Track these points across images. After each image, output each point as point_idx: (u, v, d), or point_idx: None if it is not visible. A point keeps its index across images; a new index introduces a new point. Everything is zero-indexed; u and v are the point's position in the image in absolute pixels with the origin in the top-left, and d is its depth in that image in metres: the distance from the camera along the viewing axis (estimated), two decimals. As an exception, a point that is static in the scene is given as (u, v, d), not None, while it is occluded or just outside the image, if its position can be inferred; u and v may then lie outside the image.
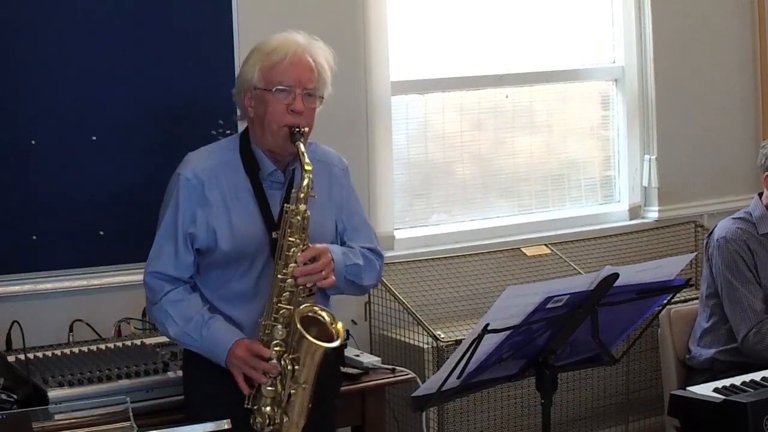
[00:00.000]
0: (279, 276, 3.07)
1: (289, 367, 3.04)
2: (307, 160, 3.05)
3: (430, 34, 4.74)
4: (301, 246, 3.06)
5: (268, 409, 3.07)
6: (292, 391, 3.05)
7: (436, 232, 4.78)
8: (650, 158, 5.20)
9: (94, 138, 3.94)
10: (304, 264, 3.06)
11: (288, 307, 3.05)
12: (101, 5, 3.91)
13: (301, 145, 3.07)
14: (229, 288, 3.19)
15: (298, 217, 3.05)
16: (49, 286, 3.90)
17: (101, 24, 3.91)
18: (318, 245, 3.11)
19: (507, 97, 4.96)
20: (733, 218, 4.20)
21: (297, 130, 3.10)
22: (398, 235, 4.64)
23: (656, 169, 5.19)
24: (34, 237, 3.87)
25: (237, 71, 4.03)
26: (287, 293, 3.06)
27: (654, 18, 5.14)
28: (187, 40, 4.05)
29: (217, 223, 3.14)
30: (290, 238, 3.05)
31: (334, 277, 3.12)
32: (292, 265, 3.05)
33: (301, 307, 3.05)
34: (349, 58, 4.42)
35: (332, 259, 3.12)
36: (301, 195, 3.06)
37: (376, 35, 4.48)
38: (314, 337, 3.00)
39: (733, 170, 5.35)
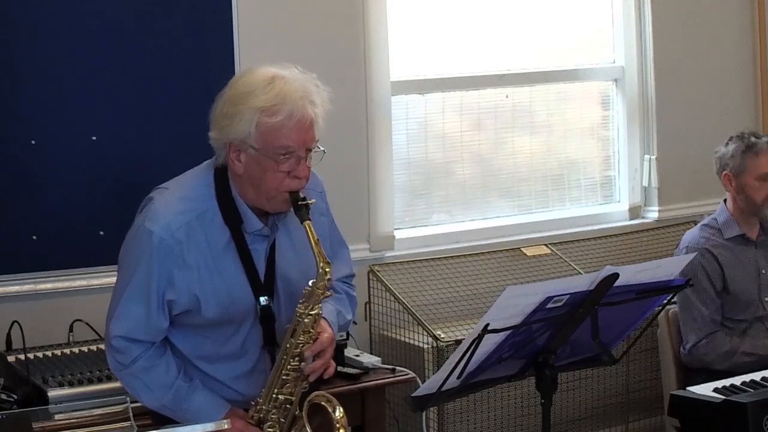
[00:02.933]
0: (283, 371, 2.83)
1: None
2: (321, 250, 2.76)
3: (430, 34, 4.74)
4: (310, 344, 2.82)
5: None
6: None
7: (436, 232, 4.78)
8: (650, 158, 5.20)
9: (94, 138, 3.94)
10: (312, 357, 2.82)
11: (289, 396, 2.85)
12: (101, 5, 3.91)
13: (313, 232, 2.76)
14: (213, 349, 2.90)
15: (309, 318, 2.81)
16: (49, 286, 3.90)
17: (101, 24, 3.91)
18: (324, 336, 2.84)
19: (507, 97, 4.96)
20: (700, 225, 4.28)
21: (303, 201, 2.78)
22: (398, 235, 4.64)
23: (656, 169, 5.19)
24: (34, 237, 3.87)
25: (237, 68, 4.07)
26: (289, 384, 2.85)
27: (654, 18, 5.14)
28: (188, 41, 4.05)
29: (200, 289, 2.81)
30: (299, 339, 2.81)
31: (334, 364, 2.93)
32: (297, 358, 2.82)
33: (314, 394, 2.83)
34: (349, 58, 4.42)
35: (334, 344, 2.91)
36: (318, 294, 2.80)
37: (376, 35, 4.48)
38: (317, 427, 2.80)
39: (733, 170, 5.35)
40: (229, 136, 2.80)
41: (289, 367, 2.83)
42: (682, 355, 4.16)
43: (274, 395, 2.85)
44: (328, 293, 2.82)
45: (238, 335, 2.90)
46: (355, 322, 4.30)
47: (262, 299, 2.87)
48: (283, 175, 2.78)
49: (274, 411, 2.86)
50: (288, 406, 2.86)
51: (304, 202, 2.78)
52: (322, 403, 2.81)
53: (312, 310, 2.81)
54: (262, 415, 2.87)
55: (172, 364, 2.88)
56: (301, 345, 2.82)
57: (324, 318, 2.89)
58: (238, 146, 2.79)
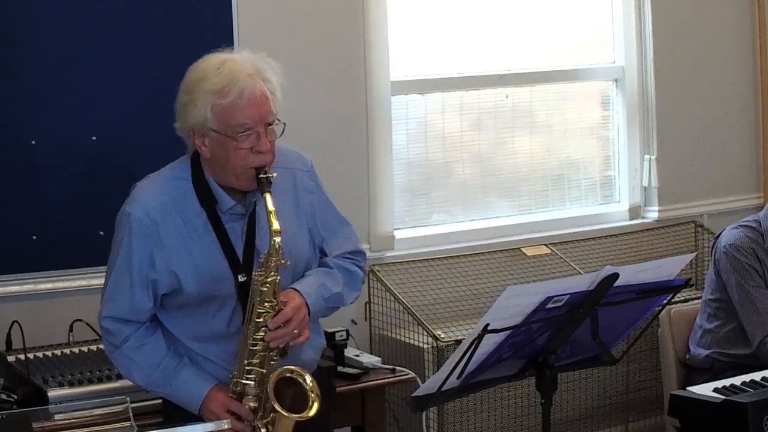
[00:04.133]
0: (249, 341, 2.89)
1: (263, 430, 2.90)
2: (275, 221, 2.82)
3: (430, 34, 4.74)
4: (272, 313, 2.86)
5: None
6: None
7: (436, 232, 4.78)
8: (650, 158, 5.20)
9: (94, 138, 3.94)
10: (276, 328, 2.87)
11: (259, 369, 2.90)
12: (102, 5, 3.91)
13: (270, 201, 2.83)
14: (201, 328, 2.98)
15: (268, 285, 2.85)
16: (49, 286, 3.90)
17: (101, 24, 3.91)
18: (289, 306, 2.88)
19: (507, 97, 4.96)
20: (741, 225, 4.13)
21: (265, 175, 2.85)
22: (398, 235, 4.64)
23: (656, 169, 5.19)
24: (34, 237, 3.87)
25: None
26: (258, 356, 2.89)
27: (654, 18, 5.14)
28: (188, 40, 4.05)
29: (179, 266, 2.90)
30: (259, 308, 2.86)
31: (307, 332, 2.93)
32: (263, 329, 2.87)
33: (281, 368, 2.89)
34: (349, 58, 4.42)
35: (308, 311, 2.93)
36: (272, 262, 2.85)
37: (376, 35, 4.48)
38: (291, 398, 2.86)
39: (733, 170, 5.35)
40: (189, 123, 2.91)
41: (256, 336, 2.88)
42: (755, 351, 3.98)
43: (246, 367, 2.90)
44: (282, 261, 2.85)
45: (222, 313, 2.96)
46: (354, 322, 4.31)
47: (240, 277, 2.93)
48: (245, 152, 2.86)
49: (251, 384, 2.91)
50: (262, 380, 2.90)
51: (265, 176, 2.85)
52: (288, 375, 2.88)
53: (268, 278, 2.85)
54: (240, 388, 2.92)
55: (161, 343, 2.98)
56: (263, 314, 2.87)
57: (295, 288, 2.94)
58: (200, 131, 2.89)
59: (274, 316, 2.87)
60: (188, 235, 2.92)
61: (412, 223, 4.77)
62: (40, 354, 3.62)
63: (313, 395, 2.88)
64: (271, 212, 2.83)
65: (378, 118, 4.53)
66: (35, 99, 3.84)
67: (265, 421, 2.90)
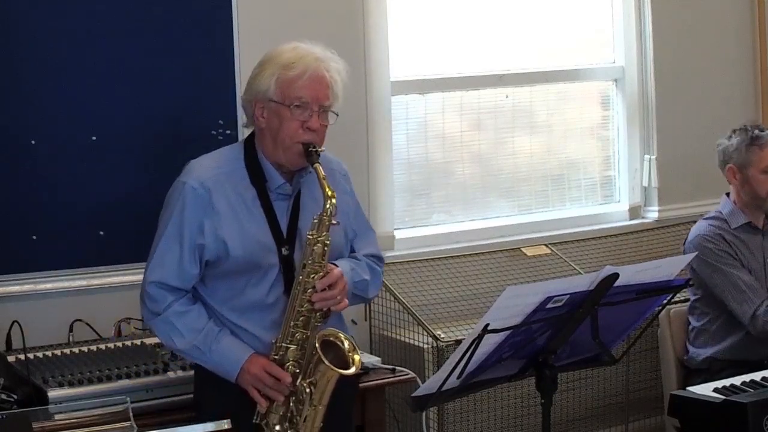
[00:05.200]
0: (297, 302, 3.05)
1: (307, 390, 3.04)
2: (328, 185, 3.03)
3: (430, 34, 4.74)
4: (320, 273, 3.05)
5: (278, 427, 3.07)
6: (307, 413, 3.05)
7: (436, 232, 4.78)
8: (650, 158, 5.20)
9: (94, 138, 3.94)
10: (322, 290, 3.05)
11: (304, 330, 3.06)
12: (101, 6, 3.91)
13: (321, 169, 3.04)
14: (241, 298, 3.14)
15: (320, 245, 3.04)
16: (49, 286, 3.90)
17: (101, 24, 3.91)
18: (334, 270, 3.09)
19: (507, 97, 4.96)
20: (704, 219, 4.27)
21: (313, 149, 3.07)
22: (398, 235, 4.64)
23: (656, 169, 5.19)
24: (34, 237, 3.87)
25: (237, 71, 4.08)
26: (303, 317, 3.06)
27: (654, 18, 5.14)
28: (188, 40, 4.05)
29: (227, 231, 3.09)
30: (310, 266, 3.05)
31: (347, 301, 3.13)
32: (310, 290, 3.05)
33: (324, 330, 3.07)
34: (349, 58, 4.36)
35: (346, 282, 3.12)
36: (325, 222, 3.04)
37: (376, 35, 4.48)
38: (330, 362, 3.00)
39: (733, 170, 5.35)
40: (254, 91, 3.14)
41: (303, 297, 3.04)
42: (749, 328, 4.01)
43: (290, 329, 3.06)
44: (334, 221, 3.05)
45: (263, 282, 3.12)
46: (354, 322, 4.31)
47: (283, 250, 3.12)
48: (297, 124, 3.08)
49: (293, 348, 3.06)
50: (304, 344, 3.06)
51: (314, 149, 3.07)
52: (331, 338, 3.06)
53: (320, 236, 3.04)
54: (282, 353, 3.06)
55: (204, 311, 3.14)
56: (312, 276, 3.05)
57: (335, 264, 3.12)
58: (261, 101, 3.12)
59: (322, 277, 3.04)
60: (238, 205, 3.11)
61: (412, 223, 4.77)
62: (40, 354, 3.62)
63: (351, 355, 3.04)
64: (324, 178, 3.03)
65: (378, 118, 4.53)
66: (35, 99, 3.84)
67: (308, 380, 3.04)
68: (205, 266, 3.13)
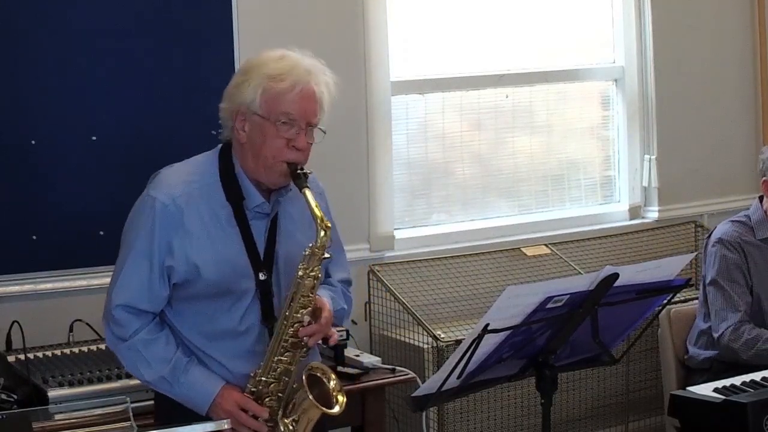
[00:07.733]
0: (283, 336, 2.86)
1: (290, 427, 2.87)
2: (321, 214, 2.82)
3: (430, 34, 4.74)
4: (309, 307, 2.86)
5: None
6: None
7: (436, 232, 4.78)
8: (650, 158, 5.20)
9: (94, 138, 3.94)
10: (308, 324, 2.87)
11: (288, 365, 2.87)
12: (101, 6, 3.91)
13: (310, 195, 2.82)
14: (211, 324, 2.90)
15: (310, 279, 2.84)
16: (49, 286, 3.90)
17: (101, 24, 3.91)
18: (318, 300, 2.89)
19: (507, 97, 4.96)
20: (732, 221, 4.18)
21: (301, 170, 2.84)
22: (398, 235, 4.64)
23: (656, 169, 5.19)
24: (34, 237, 3.87)
25: (237, 68, 4.07)
26: (289, 353, 2.87)
27: (654, 18, 5.14)
28: (188, 39, 4.05)
29: (199, 255, 2.84)
30: (299, 302, 2.85)
31: (336, 335, 2.97)
32: (297, 324, 2.85)
33: (313, 363, 2.90)
34: (349, 58, 4.42)
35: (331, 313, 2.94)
36: (317, 254, 2.84)
37: (376, 35, 4.49)
38: (315, 398, 2.84)
39: (733, 170, 5.35)
40: (236, 102, 2.88)
41: (290, 331, 2.85)
42: (717, 341, 4.03)
43: (273, 364, 2.86)
44: (327, 255, 2.86)
45: (236, 309, 2.90)
46: (354, 322, 4.32)
47: (261, 275, 2.90)
48: (282, 143, 2.84)
49: (273, 383, 2.87)
50: (286, 378, 2.88)
51: (302, 171, 2.84)
52: (317, 374, 2.87)
53: (312, 271, 2.84)
54: (260, 387, 2.88)
55: (172, 339, 2.90)
56: (300, 309, 2.85)
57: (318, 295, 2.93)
58: (243, 113, 2.87)
59: (312, 311, 2.86)
60: (212, 224, 2.87)
61: (412, 223, 4.77)
62: (40, 354, 3.62)
63: (335, 395, 2.87)
64: (317, 205, 2.82)
65: (378, 118, 4.53)
66: (35, 99, 3.84)
67: (291, 418, 2.87)
68: (173, 288, 2.89)
